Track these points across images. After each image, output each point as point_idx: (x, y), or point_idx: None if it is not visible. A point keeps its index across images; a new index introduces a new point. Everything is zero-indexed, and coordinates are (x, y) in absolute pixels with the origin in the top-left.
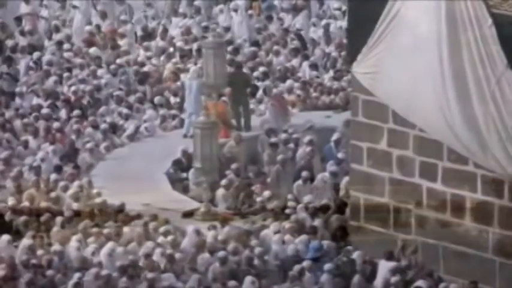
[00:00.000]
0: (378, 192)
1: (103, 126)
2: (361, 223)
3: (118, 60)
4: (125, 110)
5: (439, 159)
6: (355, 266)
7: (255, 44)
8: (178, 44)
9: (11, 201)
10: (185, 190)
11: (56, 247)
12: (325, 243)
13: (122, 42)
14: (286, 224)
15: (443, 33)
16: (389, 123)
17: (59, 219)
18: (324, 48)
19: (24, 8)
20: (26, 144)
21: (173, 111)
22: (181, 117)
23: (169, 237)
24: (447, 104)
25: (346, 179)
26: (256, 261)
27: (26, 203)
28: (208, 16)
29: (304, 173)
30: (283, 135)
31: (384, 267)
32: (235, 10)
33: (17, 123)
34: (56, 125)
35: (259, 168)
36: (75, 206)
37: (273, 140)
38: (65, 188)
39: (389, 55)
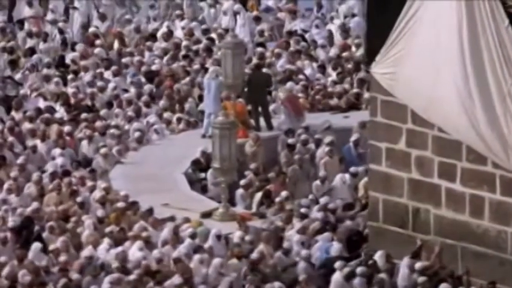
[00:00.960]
0: (396, 192)
1: (115, 131)
2: (380, 223)
3: (123, 60)
4: (129, 113)
5: (458, 160)
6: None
7: (261, 45)
8: (184, 43)
9: (33, 206)
10: (204, 190)
11: (87, 251)
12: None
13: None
14: (307, 224)
15: (463, 33)
16: (408, 124)
17: (89, 222)
18: (328, 50)
19: (27, 12)
20: (34, 149)
21: (178, 115)
22: (189, 120)
23: (196, 240)
24: (471, 104)
25: (364, 179)
26: (302, 264)
27: (51, 208)
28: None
29: (322, 173)
30: (301, 136)
31: (408, 266)
32: (238, 13)
33: (24, 126)
34: (67, 128)
35: (279, 168)
36: (100, 211)
37: (290, 141)
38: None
39: (408, 55)
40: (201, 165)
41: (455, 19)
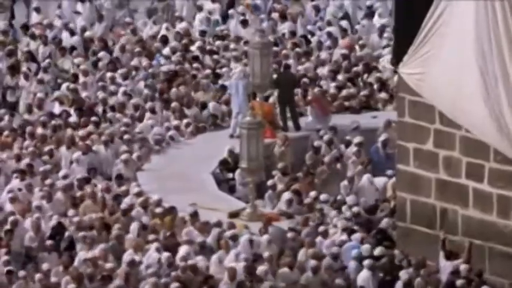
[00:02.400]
0: (424, 192)
1: (138, 135)
2: (408, 224)
3: (132, 63)
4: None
5: (486, 160)
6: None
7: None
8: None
9: (70, 213)
10: (231, 190)
11: (129, 256)
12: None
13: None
14: (340, 224)
15: (490, 34)
16: (436, 124)
17: (134, 227)
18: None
19: (35, 18)
20: (51, 153)
21: (187, 120)
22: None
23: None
24: (499, 107)
25: (392, 179)
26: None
27: (90, 216)
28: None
29: (350, 173)
30: (327, 136)
31: (445, 266)
32: (243, 14)
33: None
34: (81, 133)
35: (307, 168)
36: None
37: (316, 143)
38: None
39: (435, 55)
40: (228, 165)
41: (480, 19)
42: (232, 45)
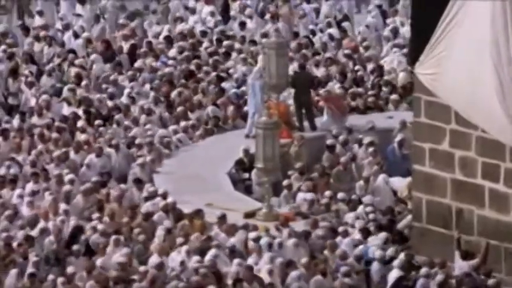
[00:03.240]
0: (440, 193)
1: (149, 139)
2: (423, 224)
3: (136, 64)
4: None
5: (502, 160)
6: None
7: None
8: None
9: (95, 216)
10: (247, 190)
11: (156, 259)
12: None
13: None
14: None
15: (508, 32)
16: (452, 124)
17: (160, 231)
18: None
19: (38, 21)
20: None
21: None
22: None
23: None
24: None
25: (408, 179)
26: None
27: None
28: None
29: (365, 173)
30: (342, 137)
31: (461, 266)
32: (250, 17)
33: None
34: (84, 137)
35: (323, 168)
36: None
37: (329, 142)
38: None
39: (450, 55)
40: (244, 165)
41: (496, 19)
42: (237, 46)
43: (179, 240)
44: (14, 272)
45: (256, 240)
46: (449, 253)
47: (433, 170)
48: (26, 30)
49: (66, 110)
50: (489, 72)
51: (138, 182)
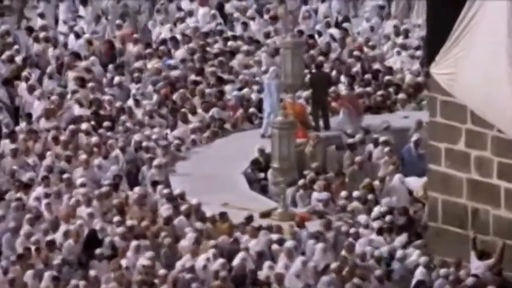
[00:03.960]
0: (455, 192)
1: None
2: (439, 224)
3: (136, 65)
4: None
5: None
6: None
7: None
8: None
9: (116, 219)
10: (263, 190)
11: (187, 262)
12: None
13: (135, 48)
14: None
15: None
16: (468, 124)
17: (191, 235)
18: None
19: (40, 22)
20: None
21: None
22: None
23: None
24: None
25: (424, 179)
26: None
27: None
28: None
29: (381, 173)
30: (358, 136)
31: (477, 266)
32: (253, 18)
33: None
34: (94, 139)
35: (338, 168)
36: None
37: (350, 140)
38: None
39: (467, 55)
40: (260, 165)
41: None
42: (245, 47)
43: (210, 243)
44: (30, 273)
45: (281, 242)
46: (465, 253)
47: (449, 169)
48: (30, 31)
49: (77, 111)
50: (505, 72)
51: (155, 184)
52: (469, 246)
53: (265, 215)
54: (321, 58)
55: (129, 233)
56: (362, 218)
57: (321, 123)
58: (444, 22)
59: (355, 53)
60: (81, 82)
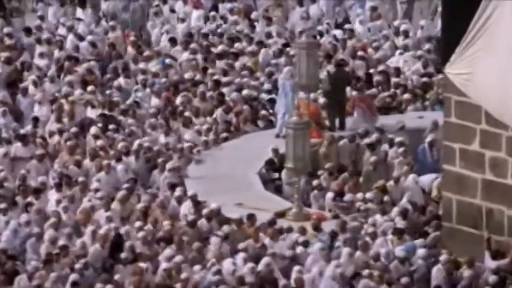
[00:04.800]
0: (470, 193)
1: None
2: (453, 224)
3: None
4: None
5: None
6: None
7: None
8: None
9: (137, 223)
10: (277, 190)
11: (215, 266)
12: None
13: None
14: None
15: None
16: (482, 124)
17: (215, 239)
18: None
19: (38, 24)
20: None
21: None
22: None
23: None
24: None
25: (434, 175)
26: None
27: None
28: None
29: (396, 174)
30: (373, 136)
31: (491, 266)
32: (257, 20)
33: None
34: (100, 143)
35: (353, 168)
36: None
37: (368, 140)
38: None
39: (484, 55)
40: (274, 165)
41: None
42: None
43: (240, 246)
44: (53, 276)
45: (305, 245)
46: (479, 253)
47: (464, 170)
48: (28, 32)
49: (89, 113)
50: None
51: (173, 187)
52: (483, 246)
53: (280, 215)
54: (340, 57)
55: (152, 237)
56: (376, 218)
57: (337, 123)
58: (459, 22)
59: (360, 53)
60: (84, 85)
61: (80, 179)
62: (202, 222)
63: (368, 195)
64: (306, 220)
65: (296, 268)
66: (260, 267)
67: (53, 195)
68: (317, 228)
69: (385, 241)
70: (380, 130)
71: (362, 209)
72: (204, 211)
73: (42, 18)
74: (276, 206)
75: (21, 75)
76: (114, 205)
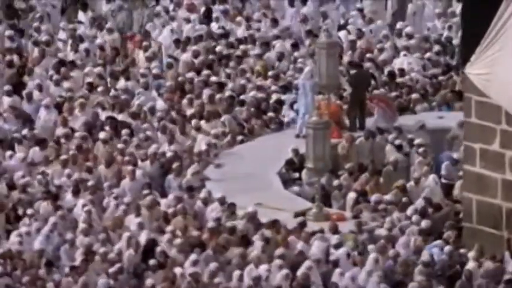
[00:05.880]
0: (490, 193)
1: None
2: (474, 224)
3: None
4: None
5: None
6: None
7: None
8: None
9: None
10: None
11: (258, 271)
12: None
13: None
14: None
15: None
16: (502, 124)
17: (259, 243)
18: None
19: (43, 28)
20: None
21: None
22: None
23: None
24: None
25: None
26: None
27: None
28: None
29: (416, 174)
30: (392, 136)
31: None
32: (259, 21)
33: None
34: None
35: (373, 168)
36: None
37: (397, 142)
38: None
39: (503, 56)
40: (294, 165)
41: None
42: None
43: (278, 251)
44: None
45: (338, 246)
46: (500, 253)
47: (484, 170)
48: (20, 32)
49: (101, 114)
50: None
51: (191, 190)
52: (503, 246)
53: (300, 215)
54: (369, 55)
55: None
56: (395, 218)
57: (357, 123)
58: (479, 23)
59: (368, 55)
60: (90, 87)
61: (90, 183)
62: (238, 226)
63: (387, 196)
64: (326, 220)
65: (337, 271)
66: (300, 272)
67: (72, 200)
68: (335, 231)
69: (408, 241)
70: (399, 129)
71: (380, 208)
72: (239, 214)
73: (41, 20)
74: (295, 206)
75: (22, 78)
76: (143, 211)
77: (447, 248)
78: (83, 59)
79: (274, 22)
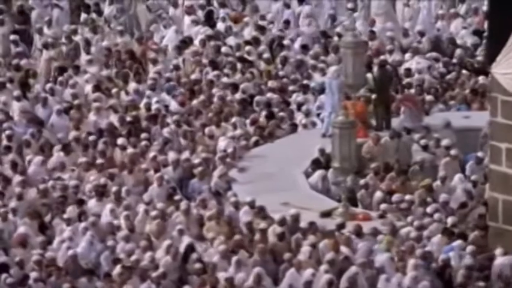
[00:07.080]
0: None
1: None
2: (500, 224)
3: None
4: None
5: None
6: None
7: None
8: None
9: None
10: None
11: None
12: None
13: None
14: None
15: None
16: None
17: (306, 249)
18: None
19: (46, 31)
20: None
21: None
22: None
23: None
24: None
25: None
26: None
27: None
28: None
29: (441, 173)
30: (418, 135)
31: None
32: (272, 22)
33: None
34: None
35: (399, 168)
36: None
37: (423, 142)
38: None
39: None
40: (320, 164)
41: None
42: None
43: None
44: None
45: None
46: None
47: (510, 169)
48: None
49: (113, 117)
50: None
51: (218, 195)
52: None
53: (326, 214)
54: (382, 57)
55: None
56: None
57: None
58: (505, 22)
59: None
60: (96, 89)
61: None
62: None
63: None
64: (353, 220)
65: (383, 277)
66: (345, 277)
67: (96, 206)
68: (358, 233)
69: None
70: (427, 128)
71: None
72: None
73: (50, 23)
74: (322, 205)
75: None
76: (180, 217)
77: (470, 248)
78: (91, 61)
79: (287, 24)
